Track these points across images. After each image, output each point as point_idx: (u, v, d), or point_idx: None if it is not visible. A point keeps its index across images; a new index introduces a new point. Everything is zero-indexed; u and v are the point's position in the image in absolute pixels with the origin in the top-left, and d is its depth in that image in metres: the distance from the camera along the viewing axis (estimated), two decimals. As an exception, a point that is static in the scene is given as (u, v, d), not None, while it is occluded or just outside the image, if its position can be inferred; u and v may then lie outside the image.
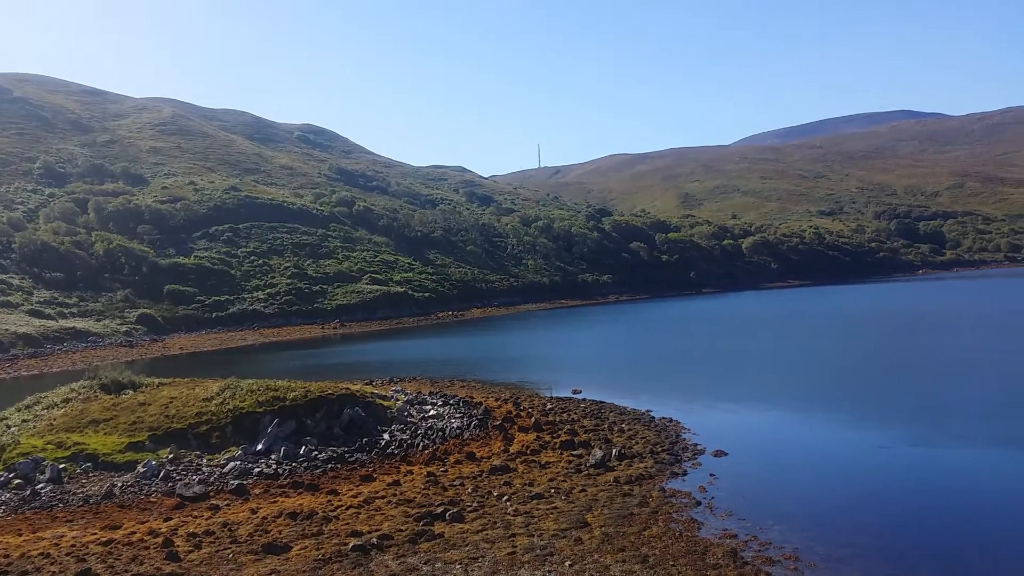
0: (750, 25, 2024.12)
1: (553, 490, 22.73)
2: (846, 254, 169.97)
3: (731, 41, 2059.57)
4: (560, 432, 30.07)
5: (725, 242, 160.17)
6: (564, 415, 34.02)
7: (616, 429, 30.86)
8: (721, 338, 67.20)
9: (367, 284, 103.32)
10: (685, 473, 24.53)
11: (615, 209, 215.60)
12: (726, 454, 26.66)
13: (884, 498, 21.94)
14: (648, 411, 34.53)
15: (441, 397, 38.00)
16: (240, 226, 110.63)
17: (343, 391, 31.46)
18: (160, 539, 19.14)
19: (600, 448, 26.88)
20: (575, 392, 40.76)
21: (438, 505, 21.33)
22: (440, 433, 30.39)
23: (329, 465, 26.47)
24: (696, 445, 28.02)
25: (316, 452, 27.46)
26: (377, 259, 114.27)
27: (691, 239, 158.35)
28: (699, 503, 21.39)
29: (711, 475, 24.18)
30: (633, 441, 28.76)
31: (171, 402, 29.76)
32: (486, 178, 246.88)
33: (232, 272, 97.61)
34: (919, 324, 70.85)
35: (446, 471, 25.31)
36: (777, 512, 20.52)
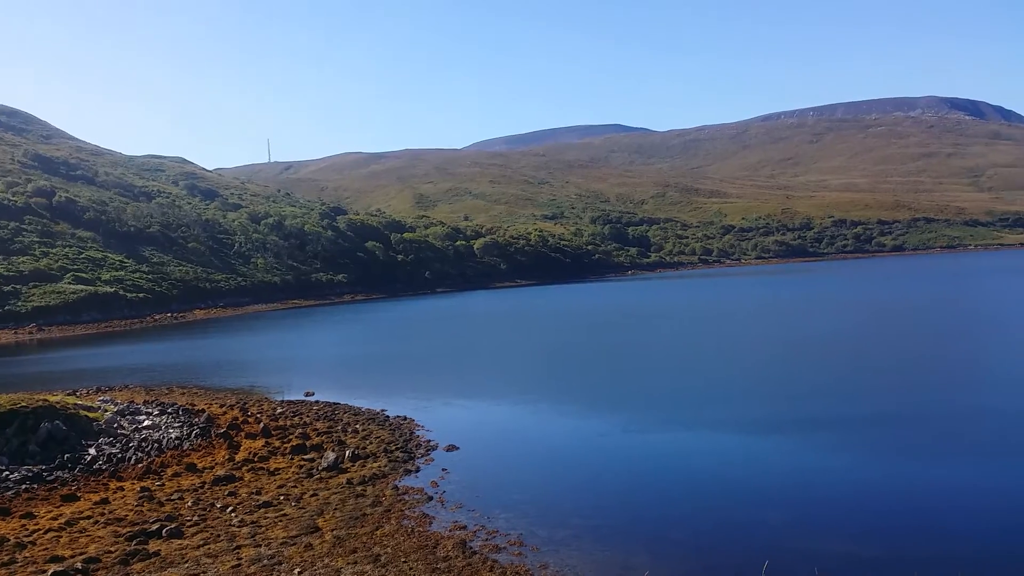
0: (475, 36, 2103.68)
1: (283, 497, 21.97)
2: (567, 255, 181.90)
3: (459, 49, 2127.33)
4: (291, 437, 29.15)
5: (458, 243, 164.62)
6: (296, 419, 33.03)
7: (350, 430, 30.51)
8: (456, 336, 68.97)
9: (70, 284, 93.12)
10: (418, 470, 24.84)
11: (350, 208, 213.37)
12: (458, 448, 27.38)
13: (601, 481, 23.77)
14: (383, 410, 34.53)
15: (158, 406, 35.27)
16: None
17: (40, 403, 28.07)
18: None
19: (333, 450, 26.42)
20: (308, 394, 39.72)
21: (153, 522, 19.74)
22: (156, 445, 28.15)
23: (24, 486, 23.48)
24: (430, 441, 28.50)
25: (7, 472, 24.25)
26: (82, 256, 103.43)
27: (426, 239, 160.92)
28: (431, 498, 21.76)
29: (443, 470, 24.71)
30: (367, 441, 28.60)
31: None
32: (210, 171, 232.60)
33: None
34: (630, 319, 77.60)
35: (163, 485, 23.51)
36: (504, 501, 21.44)
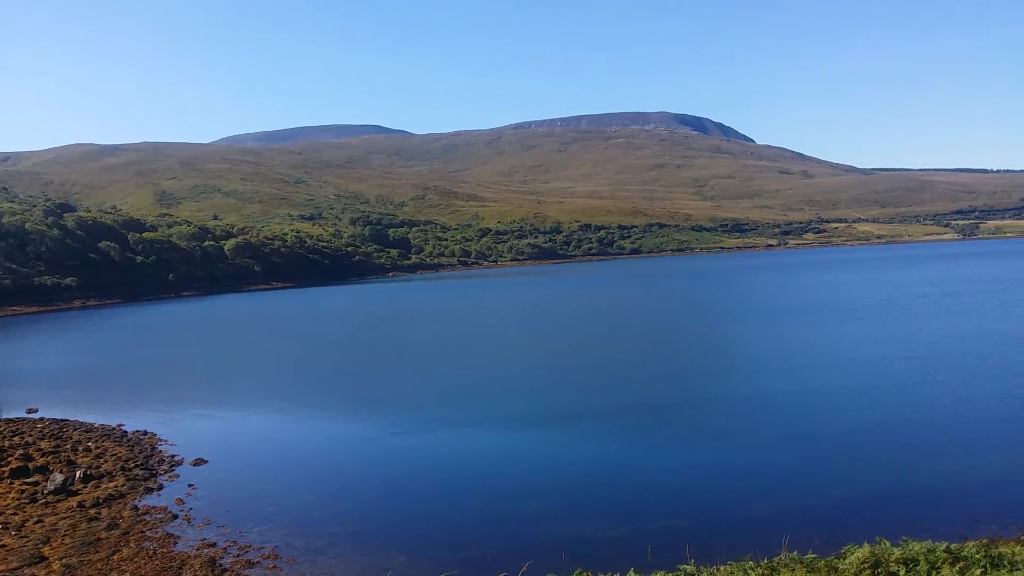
0: (222, 26, 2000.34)
1: (1, 526, 19.62)
2: (326, 257, 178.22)
3: (205, 38, 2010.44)
4: (10, 459, 26.09)
5: (206, 243, 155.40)
6: (16, 439, 29.61)
7: (81, 449, 27.87)
8: (204, 342, 65.17)
9: None
10: (161, 487, 23.26)
11: (80, 204, 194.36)
12: (206, 462, 25.95)
13: (361, 486, 23.59)
14: (120, 425, 31.94)
15: None
16: None
17: None
18: None
19: (61, 472, 24.02)
20: (30, 411, 35.77)
21: None
22: None
23: None
24: (174, 456, 26.76)
25: None
26: None
27: (170, 239, 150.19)
28: (176, 516, 20.47)
29: (190, 485, 23.32)
30: (102, 460, 26.30)
31: None
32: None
33: None
34: (392, 321, 77.64)
35: None
36: (257, 514, 20.65)
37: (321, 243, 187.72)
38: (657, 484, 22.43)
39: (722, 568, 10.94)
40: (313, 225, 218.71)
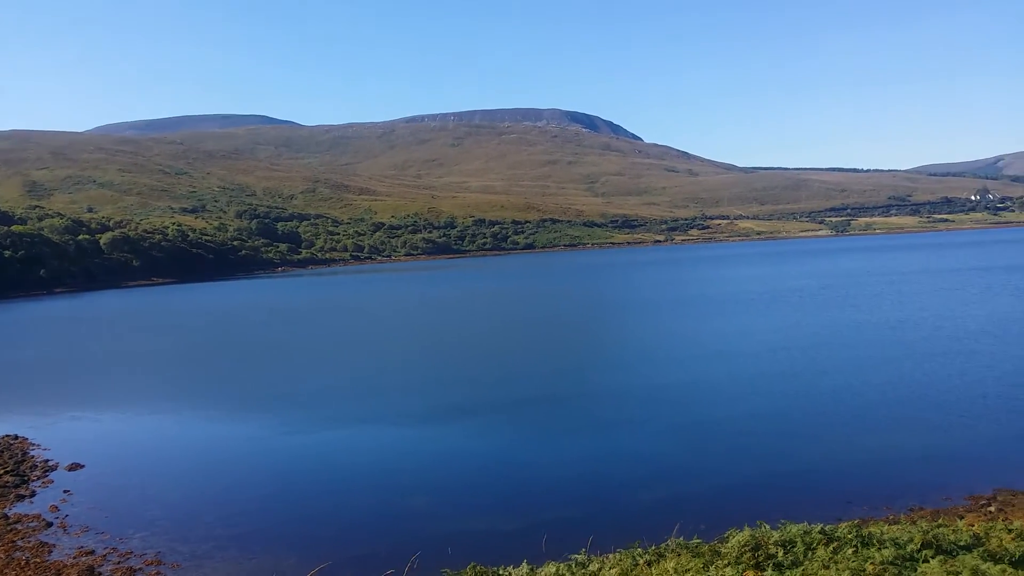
0: (101, 8, 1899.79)
1: None
2: (210, 251, 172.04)
3: (75, 23, 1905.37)
4: None
5: (81, 237, 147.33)
6: None
7: (-59, 456, 25.99)
8: (76, 341, 61.82)
9: None
10: (34, 494, 21.98)
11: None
12: (83, 467, 24.67)
13: (248, 487, 22.86)
14: (-14, 430, 29.96)
15: None
16: None
17: None
18: None
19: (-82, 482, 22.33)
20: None
21: None
22: None
23: None
24: (48, 461, 25.32)
25: None
26: None
27: (40, 233, 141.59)
28: (50, 524, 19.38)
29: (65, 491, 22.12)
30: (-35, 467, 24.60)
31: None
32: None
33: None
34: (278, 317, 75.72)
35: None
36: (139, 519, 19.78)
37: (205, 237, 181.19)
38: (551, 476, 22.69)
39: (612, 556, 11.19)
40: (196, 218, 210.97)
